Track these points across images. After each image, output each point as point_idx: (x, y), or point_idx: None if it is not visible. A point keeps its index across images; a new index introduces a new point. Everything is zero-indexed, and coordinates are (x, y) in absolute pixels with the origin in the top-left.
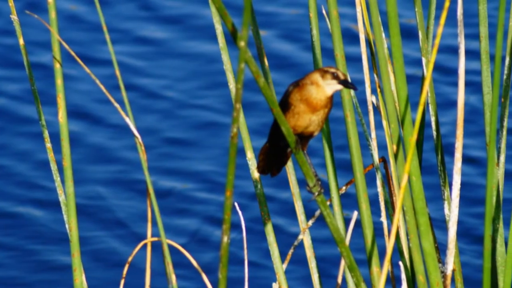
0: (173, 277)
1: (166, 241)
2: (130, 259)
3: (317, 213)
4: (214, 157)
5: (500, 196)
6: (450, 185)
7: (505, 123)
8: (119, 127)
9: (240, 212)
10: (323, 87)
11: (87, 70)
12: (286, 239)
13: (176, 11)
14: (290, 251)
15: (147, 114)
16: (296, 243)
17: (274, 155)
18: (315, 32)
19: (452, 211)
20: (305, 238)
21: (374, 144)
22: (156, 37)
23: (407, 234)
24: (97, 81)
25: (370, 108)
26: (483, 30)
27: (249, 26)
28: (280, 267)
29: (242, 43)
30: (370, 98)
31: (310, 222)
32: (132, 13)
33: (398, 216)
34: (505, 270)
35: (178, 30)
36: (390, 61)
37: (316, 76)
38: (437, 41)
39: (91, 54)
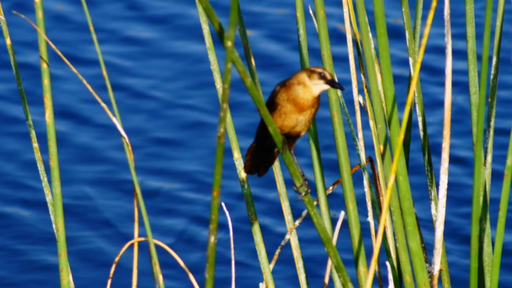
0: (160, 277)
1: (153, 241)
2: (117, 259)
3: (304, 213)
4: (201, 157)
5: (487, 196)
6: (437, 185)
7: (492, 123)
8: (106, 127)
9: (227, 212)
10: (310, 87)
11: (74, 70)
12: (273, 239)
13: (163, 11)
14: (277, 251)
15: (134, 114)
16: (283, 243)
17: (261, 155)
18: (302, 32)
19: (439, 211)
20: (292, 238)
21: (361, 144)
22: (143, 37)
23: (394, 234)
24: (84, 81)
25: (357, 108)
26: (470, 30)
27: (236, 26)
28: (267, 267)
29: (229, 43)
30: (357, 98)
31: (297, 222)
32: (119, 13)
33: (385, 216)
34: (492, 270)
35: (165, 30)
36: (377, 61)
37: (303, 76)
38: (424, 41)
39: (78, 54)
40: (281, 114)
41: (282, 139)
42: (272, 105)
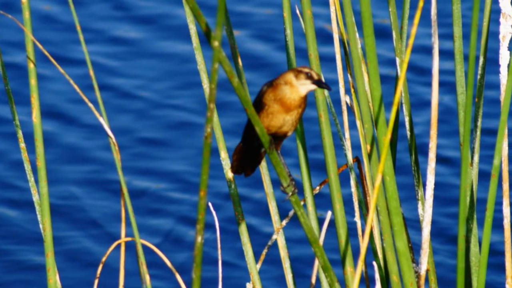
0: (147, 277)
1: (140, 241)
2: (104, 259)
3: (291, 213)
4: (188, 157)
5: (474, 196)
6: (424, 185)
7: (479, 123)
8: (93, 127)
9: (214, 212)
10: (297, 87)
11: (61, 70)
12: (260, 239)
13: (150, 11)
14: (264, 251)
15: (121, 114)
16: (270, 243)
17: (248, 155)
18: (289, 32)
19: (426, 211)
20: (279, 238)
21: (348, 144)
22: (130, 37)
23: (381, 234)
24: (71, 81)
25: (344, 108)
26: (457, 30)
27: (223, 26)
28: (254, 267)
29: (216, 43)
30: (344, 98)
31: (284, 222)
32: (106, 13)
33: (372, 216)
34: (479, 270)
35: (152, 30)
36: (364, 61)
37: (290, 76)
38: (411, 41)
39: (65, 54)
40: (268, 114)
41: (269, 139)
42: (259, 105)
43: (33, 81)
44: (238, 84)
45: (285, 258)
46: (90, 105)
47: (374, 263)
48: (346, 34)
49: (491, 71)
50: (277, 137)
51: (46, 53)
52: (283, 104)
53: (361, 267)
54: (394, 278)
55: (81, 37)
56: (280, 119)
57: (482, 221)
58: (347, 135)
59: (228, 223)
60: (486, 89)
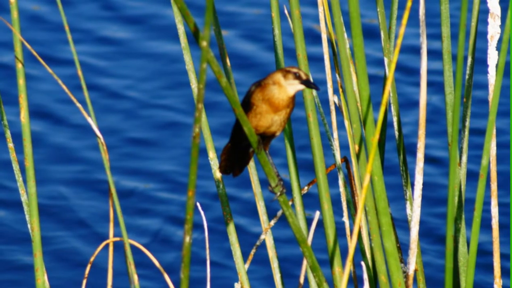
0: (135, 277)
1: (128, 241)
2: (92, 259)
3: (279, 213)
4: (176, 157)
5: (462, 196)
6: (412, 185)
7: (467, 123)
8: (81, 127)
9: (202, 212)
10: (285, 87)
11: (49, 70)
12: (248, 239)
13: (138, 11)
14: (252, 251)
15: (109, 114)
16: (258, 243)
17: (236, 155)
18: (277, 32)
19: (414, 211)
20: (267, 238)
21: (336, 144)
22: (118, 37)
23: (369, 234)
24: (59, 81)
25: (332, 108)
26: (445, 30)
27: (211, 26)
28: (242, 267)
29: (204, 43)
30: (332, 98)
31: (272, 222)
32: (94, 13)
33: (360, 216)
34: (467, 270)
35: (140, 30)
36: (352, 61)
37: (278, 76)
38: (399, 41)
39: (53, 54)
40: (256, 114)
41: (257, 139)
42: (247, 105)
43: (21, 81)
44: (227, 84)
45: (274, 258)
46: (78, 105)
47: (363, 263)
48: (335, 34)
49: (479, 71)
50: (266, 137)
51: (35, 53)
52: (272, 104)
53: (349, 267)
54: (382, 278)
55: (69, 37)
56: (269, 119)
57: (470, 221)
58: (335, 135)
59: (216, 223)
60: (474, 89)
